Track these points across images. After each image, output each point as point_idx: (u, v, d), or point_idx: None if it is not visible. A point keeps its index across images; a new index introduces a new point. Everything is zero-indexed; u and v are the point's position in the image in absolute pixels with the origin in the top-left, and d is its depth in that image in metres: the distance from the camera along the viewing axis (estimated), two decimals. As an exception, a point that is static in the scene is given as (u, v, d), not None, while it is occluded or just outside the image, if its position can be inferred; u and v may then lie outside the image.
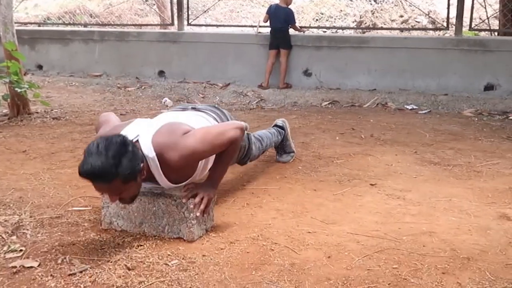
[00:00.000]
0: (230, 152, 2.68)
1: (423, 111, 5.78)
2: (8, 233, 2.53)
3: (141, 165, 2.34)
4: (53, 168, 3.66)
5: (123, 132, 2.45)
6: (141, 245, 2.43)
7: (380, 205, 2.99)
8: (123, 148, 2.28)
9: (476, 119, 5.43)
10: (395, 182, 3.40)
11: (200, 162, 2.65)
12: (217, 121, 2.93)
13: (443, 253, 2.37)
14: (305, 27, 7.70)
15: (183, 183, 2.62)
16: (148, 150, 2.44)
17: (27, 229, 2.59)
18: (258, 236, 2.55)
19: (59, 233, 2.54)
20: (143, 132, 2.49)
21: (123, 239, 2.50)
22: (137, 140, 2.44)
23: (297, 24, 7.09)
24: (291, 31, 7.00)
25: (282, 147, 3.81)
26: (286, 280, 2.13)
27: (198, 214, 2.48)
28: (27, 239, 2.47)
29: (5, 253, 2.33)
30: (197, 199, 2.50)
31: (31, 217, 2.75)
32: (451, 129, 4.95)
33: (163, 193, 2.54)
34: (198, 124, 2.73)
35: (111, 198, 2.35)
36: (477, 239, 2.53)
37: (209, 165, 2.78)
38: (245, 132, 3.01)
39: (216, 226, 2.65)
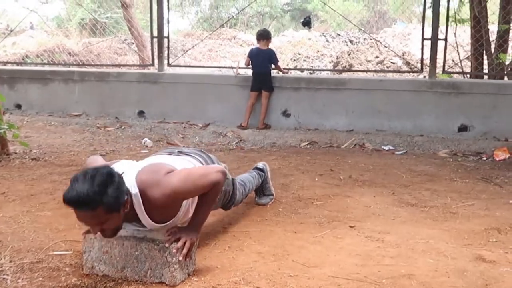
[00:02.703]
0: (212, 195, 2.73)
1: (400, 152, 5.89)
2: (-13, 279, 2.51)
3: (126, 197, 2.42)
4: (33, 210, 3.65)
5: None
6: (123, 291, 2.43)
7: (359, 247, 3.04)
8: (110, 178, 2.36)
9: (451, 159, 5.55)
10: (374, 224, 3.45)
11: (183, 202, 2.69)
12: (202, 164, 2.99)
13: (422, 296, 2.42)
14: (285, 68, 7.82)
15: (166, 224, 2.66)
16: (131, 186, 2.51)
17: (7, 274, 2.57)
18: (240, 280, 2.57)
19: (40, 279, 2.53)
20: (127, 170, 2.56)
21: (105, 284, 2.50)
22: (122, 177, 2.48)
23: (280, 63, 7.25)
24: (273, 72, 7.12)
25: (261, 190, 3.86)
26: (269, 325, 2.15)
27: (180, 258, 2.49)
28: (8, 285, 2.46)
29: (-15, 300, 2.31)
30: (180, 243, 2.53)
31: (11, 261, 2.73)
32: (427, 170, 5.05)
33: (146, 237, 2.55)
34: (183, 166, 2.78)
35: (94, 229, 2.40)
36: (454, 281, 2.59)
37: (192, 208, 2.82)
38: (229, 176, 3.08)
39: (198, 270, 2.67)
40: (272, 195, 3.91)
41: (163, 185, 2.54)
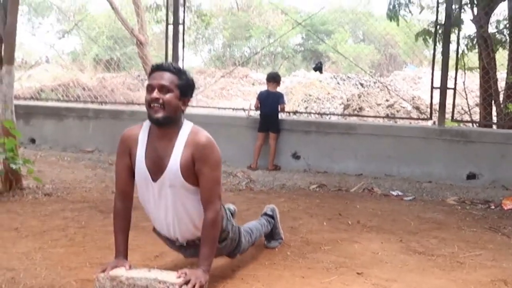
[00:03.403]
0: (214, 230, 2.86)
1: (408, 198, 5.92)
2: (0, 316, 2.56)
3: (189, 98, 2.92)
4: (45, 247, 3.70)
5: None
6: (133, 332, 2.47)
7: (366, 295, 3.07)
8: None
9: (459, 207, 5.56)
10: (381, 271, 3.48)
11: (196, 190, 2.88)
12: None
13: None
14: (294, 112, 7.96)
15: (179, 185, 2.85)
16: (187, 122, 2.93)
17: (20, 312, 2.62)
18: (247, 325, 2.60)
19: (52, 317, 2.57)
20: None
21: (115, 324, 2.54)
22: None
23: (285, 106, 7.39)
24: (283, 115, 7.26)
25: (271, 234, 3.90)
26: None
27: None
28: (20, 323, 2.50)
29: (-3, 337, 2.36)
30: (190, 286, 2.57)
31: (23, 299, 2.78)
32: (435, 217, 5.08)
33: (157, 279, 2.60)
34: None
35: (158, 94, 2.78)
36: (460, 333, 2.60)
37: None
38: (234, 223, 3.15)
39: (206, 314, 2.70)
40: (281, 239, 3.95)
41: (210, 141, 2.86)
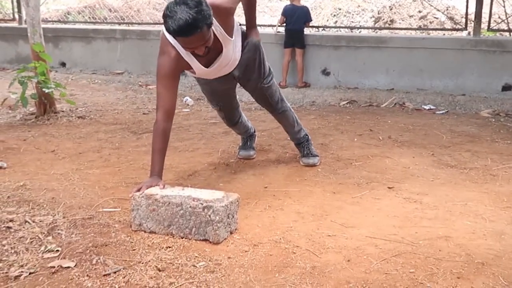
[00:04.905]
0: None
1: (441, 112, 5.83)
2: (44, 233, 2.67)
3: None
4: (82, 168, 3.81)
5: None
6: (169, 247, 2.56)
7: (397, 208, 3.09)
8: None
9: (494, 120, 5.47)
10: (412, 185, 3.49)
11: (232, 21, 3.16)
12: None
13: (458, 257, 2.47)
14: (323, 26, 7.77)
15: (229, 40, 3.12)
16: None
17: (62, 230, 2.73)
18: (280, 239, 2.67)
19: (92, 234, 2.68)
20: None
21: (152, 240, 2.63)
22: None
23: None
24: (309, 30, 7.09)
25: (309, 150, 3.93)
26: (308, 283, 2.25)
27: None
28: (62, 240, 2.62)
29: (42, 253, 2.47)
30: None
31: (64, 217, 2.89)
32: (468, 130, 5.01)
33: (190, 196, 2.66)
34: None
35: (200, 50, 2.77)
36: (491, 244, 2.62)
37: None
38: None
39: (240, 229, 2.77)
40: (318, 155, 3.96)
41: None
